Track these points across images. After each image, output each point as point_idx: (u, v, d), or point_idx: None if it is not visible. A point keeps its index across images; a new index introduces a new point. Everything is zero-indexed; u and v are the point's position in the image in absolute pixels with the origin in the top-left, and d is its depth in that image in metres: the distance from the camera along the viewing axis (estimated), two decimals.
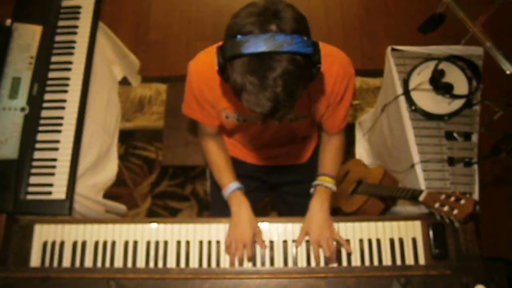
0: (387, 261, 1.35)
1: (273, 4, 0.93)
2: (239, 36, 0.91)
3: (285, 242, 1.38)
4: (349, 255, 1.36)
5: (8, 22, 1.77)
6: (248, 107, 0.97)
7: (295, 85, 0.94)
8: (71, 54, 1.75)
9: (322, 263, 1.35)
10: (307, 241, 1.37)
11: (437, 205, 1.28)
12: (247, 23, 0.92)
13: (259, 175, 1.65)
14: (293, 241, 1.37)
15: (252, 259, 1.36)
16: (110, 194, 2.12)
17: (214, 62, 0.99)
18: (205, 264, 1.36)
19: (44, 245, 1.39)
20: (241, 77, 0.93)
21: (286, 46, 0.89)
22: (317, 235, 1.34)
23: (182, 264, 1.36)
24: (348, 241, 1.37)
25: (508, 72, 1.40)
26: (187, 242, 1.38)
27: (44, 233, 1.40)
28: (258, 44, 0.89)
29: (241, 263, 1.34)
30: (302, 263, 1.35)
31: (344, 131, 1.44)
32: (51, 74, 1.71)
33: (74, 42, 1.77)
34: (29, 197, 1.53)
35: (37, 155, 1.59)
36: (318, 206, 1.37)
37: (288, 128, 1.40)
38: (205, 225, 1.40)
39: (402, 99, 1.64)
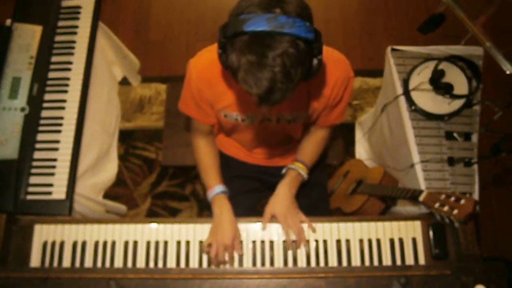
0: (387, 261, 1.35)
1: None
2: (242, 15, 0.92)
3: (285, 242, 1.38)
4: (349, 255, 1.36)
5: (8, 22, 1.77)
6: (245, 88, 0.97)
7: (294, 69, 0.94)
8: (71, 54, 1.75)
9: (322, 263, 1.35)
10: (308, 241, 1.37)
11: (437, 205, 1.28)
12: (252, 4, 0.93)
13: (258, 176, 1.65)
14: (293, 241, 1.37)
15: (254, 260, 1.36)
16: (110, 194, 2.12)
17: (216, 56, 1.00)
18: (205, 264, 1.36)
19: (44, 245, 1.39)
20: (241, 55, 0.93)
21: (287, 27, 0.90)
22: (283, 214, 1.35)
23: (182, 264, 1.36)
24: (348, 241, 1.37)
25: (508, 72, 1.40)
26: (187, 242, 1.38)
27: (44, 233, 1.40)
28: (260, 23, 0.90)
29: (220, 264, 1.34)
30: (302, 263, 1.35)
31: (332, 126, 1.45)
32: (51, 74, 1.71)
33: (74, 42, 1.77)
34: (29, 197, 1.53)
35: (37, 155, 1.59)
36: (285, 190, 1.39)
37: (284, 129, 1.40)
38: (205, 225, 1.40)
39: (402, 99, 1.64)
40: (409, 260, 1.34)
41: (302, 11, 0.94)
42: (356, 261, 1.35)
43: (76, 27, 1.80)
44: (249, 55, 0.92)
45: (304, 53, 0.94)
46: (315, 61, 0.99)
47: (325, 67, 1.18)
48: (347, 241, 1.37)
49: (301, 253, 1.36)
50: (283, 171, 1.45)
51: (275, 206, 1.38)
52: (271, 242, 1.38)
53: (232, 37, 0.93)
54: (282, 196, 1.39)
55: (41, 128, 1.63)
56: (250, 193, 1.64)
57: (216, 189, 1.40)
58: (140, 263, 1.37)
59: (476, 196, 1.54)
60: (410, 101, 1.62)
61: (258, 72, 0.92)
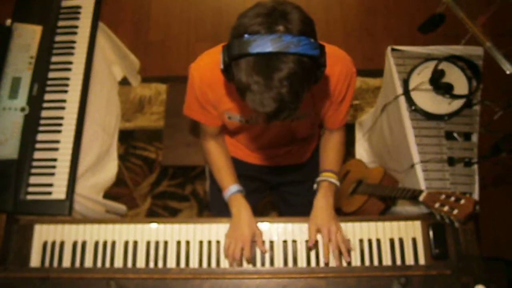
0: (387, 261, 1.35)
1: (280, 5, 0.93)
2: (246, 36, 0.91)
3: (285, 242, 1.38)
4: (349, 255, 1.35)
5: (8, 22, 1.77)
6: (252, 107, 0.97)
7: (301, 87, 0.94)
8: (71, 54, 1.76)
9: (322, 263, 1.35)
10: (306, 241, 1.37)
11: (437, 205, 1.29)
12: (254, 23, 0.91)
13: (260, 176, 1.65)
14: (293, 241, 1.37)
15: (252, 259, 1.36)
16: (110, 194, 2.12)
17: (218, 62, 0.99)
18: (205, 264, 1.36)
19: (44, 245, 1.39)
20: (247, 76, 0.92)
21: (293, 47, 0.90)
22: (328, 232, 1.32)
23: (182, 264, 1.36)
24: (348, 241, 1.37)
25: (508, 72, 1.40)
26: (187, 242, 1.38)
27: (44, 233, 1.40)
28: (265, 44, 0.89)
29: (239, 264, 1.33)
30: (302, 263, 1.35)
31: (345, 127, 1.45)
32: (51, 74, 1.71)
33: (74, 42, 1.77)
34: (29, 197, 1.53)
35: (37, 155, 1.59)
36: (325, 202, 1.35)
37: (289, 128, 1.40)
38: (205, 225, 1.40)
39: (402, 99, 1.64)
40: (409, 260, 1.34)
41: (306, 27, 0.93)
42: (356, 261, 1.35)
43: (76, 27, 1.80)
44: (256, 77, 0.91)
45: (309, 69, 0.94)
46: (318, 73, 0.99)
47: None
48: (347, 241, 1.37)
49: (301, 253, 1.36)
50: (314, 186, 1.42)
51: (318, 219, 1.34)
52: (271, 242, 1.38)
53: (237, 58, 0.93)
54: (321, 208, 1.35)
55: (41, 128, 1.63)
56: (252, 193, 1.64)
57: (231, 189, 1.40)
58: (140, 263, 1.36)
59: (476, 196, 1.54)
60: (410, 101, 1.62)
61: (265, 93, 0.92)
